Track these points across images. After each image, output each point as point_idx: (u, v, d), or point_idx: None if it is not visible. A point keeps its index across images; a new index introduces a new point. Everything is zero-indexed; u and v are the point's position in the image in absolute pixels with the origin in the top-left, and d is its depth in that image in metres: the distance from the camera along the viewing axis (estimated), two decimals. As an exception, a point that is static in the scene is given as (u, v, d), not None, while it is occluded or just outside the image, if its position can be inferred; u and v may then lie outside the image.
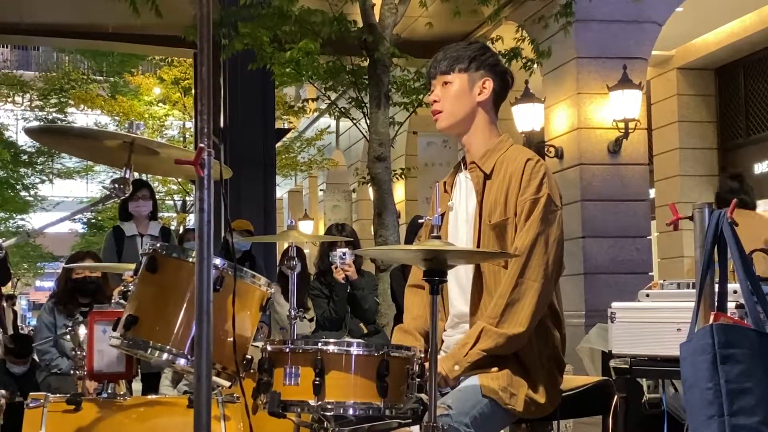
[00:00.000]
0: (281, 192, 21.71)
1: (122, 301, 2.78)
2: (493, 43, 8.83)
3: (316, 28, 7.96)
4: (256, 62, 8.36)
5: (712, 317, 2.43)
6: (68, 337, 3.46)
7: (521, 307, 2.54)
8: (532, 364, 2.60)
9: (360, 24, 8.07)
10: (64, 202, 24.72)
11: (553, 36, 9.39)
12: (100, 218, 22.37)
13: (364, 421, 2.29)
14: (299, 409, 2.23)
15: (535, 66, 9.17)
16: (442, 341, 2.77)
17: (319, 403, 2.17)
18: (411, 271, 3.02)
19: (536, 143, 9.82)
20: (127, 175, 2.33)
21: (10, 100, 21.35)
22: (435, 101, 2.77)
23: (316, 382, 2.16)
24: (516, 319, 2.54)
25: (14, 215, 23.50)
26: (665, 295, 3.42)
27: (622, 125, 9.23)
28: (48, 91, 20.13)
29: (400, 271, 6.11)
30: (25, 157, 20.44)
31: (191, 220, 18.11)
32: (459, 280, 2.73)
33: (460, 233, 2.75)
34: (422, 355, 2.31)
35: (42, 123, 19.12)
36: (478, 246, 2.64)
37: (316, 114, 16.69)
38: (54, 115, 20.28)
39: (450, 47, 2.80)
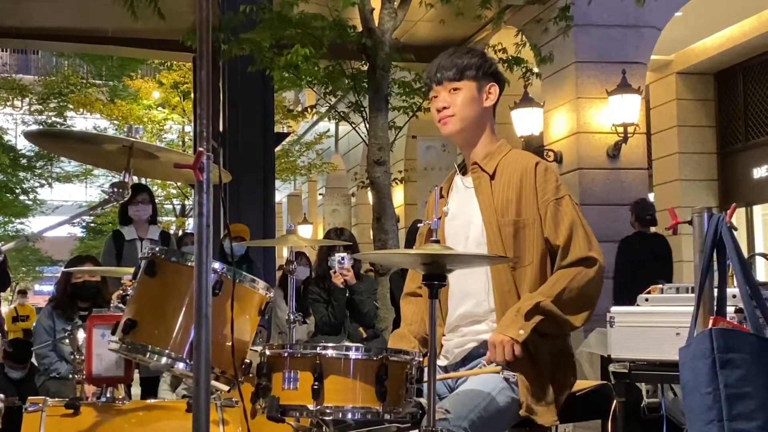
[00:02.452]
0: (280, 196, 21.71)
1: (121, 305, 2.78)
2: (495, 52, 8.80)
3: (316, 33, 7.96)
4: (256, 65, 8.37)
5: (711, 322, 2.43)
6: (67, 341, 3.45)
7: (583, 302, 2.60)
8: (534, 364, 2.59)
9: (359, 28, 8.07)
10: (63, 206, 24.73)
11: (552, 40, 9.39)
12: (99, 222, 22.33)
13: (363, 426, 2.29)
14: (298, 414, 2.23)
15: (534, 74, 9.17)
16: (441, 346, 2.77)
17: (318, 407, 2.17)
18: (406, 280, 3.02)
19: (535, 147, 9.80)
20: (126, 179, 2.32)
21: (9, 104, 21.37)
22: (445, 107, 2.78)
23: (315, 387, 2.16)
24: (576, 312, 2.59)
25: (13, 219, 23.50)
26: (664, 299, 3.43)
27: (621, 130, 9.22)
28: (47, 95, 20.15)
29: (400, 274, 6.10)
30: (24, 161, 20.45)
31: (190, 224, 18.10)
32: (462, 282, 2.73)
33: (460, 236, 2.75)
34: (420, 359, 2.31)
35: (41, 127, 19.13)
36: (502, 242, 2.65)
37: (315, 118, 16.67)
38: (53, 119, 20.32)
39: (452, 54, 2.82)
